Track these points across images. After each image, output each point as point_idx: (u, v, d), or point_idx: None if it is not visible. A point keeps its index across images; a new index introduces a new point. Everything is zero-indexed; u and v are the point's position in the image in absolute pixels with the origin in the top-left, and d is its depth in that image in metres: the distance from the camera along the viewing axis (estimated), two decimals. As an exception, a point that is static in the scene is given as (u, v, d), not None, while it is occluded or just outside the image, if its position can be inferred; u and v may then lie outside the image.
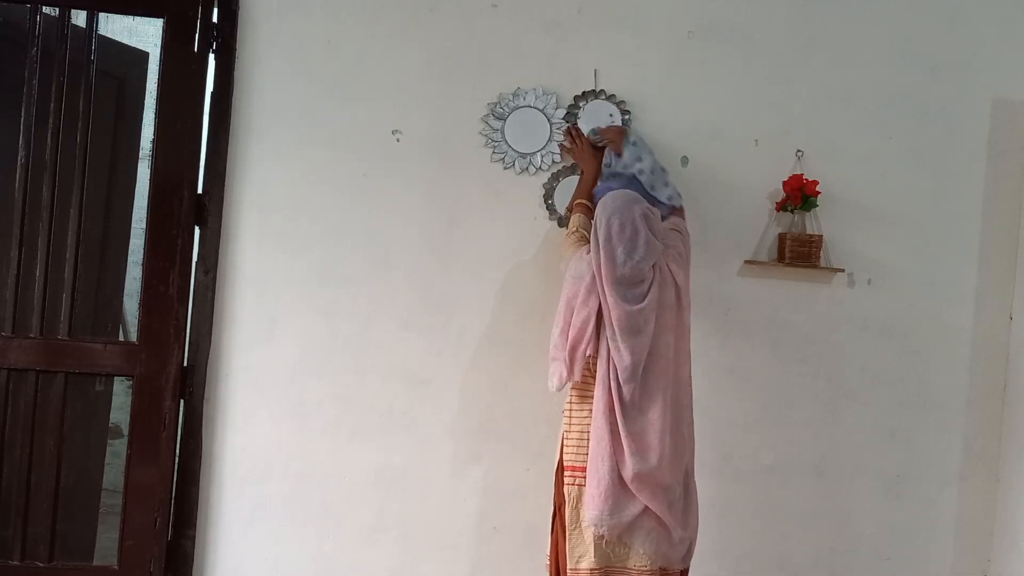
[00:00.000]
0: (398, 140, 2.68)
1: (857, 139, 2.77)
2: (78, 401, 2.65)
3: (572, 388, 2.40)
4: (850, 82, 2.77)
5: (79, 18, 2.62)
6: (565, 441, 2.40)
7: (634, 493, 2.27)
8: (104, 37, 2.69)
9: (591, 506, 2.29)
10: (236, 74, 2.64)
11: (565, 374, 2.34)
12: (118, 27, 3.20)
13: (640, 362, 2.27)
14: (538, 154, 2.70)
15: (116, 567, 2.59)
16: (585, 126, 2.69)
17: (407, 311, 2.68)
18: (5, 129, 2.59)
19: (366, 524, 2.68)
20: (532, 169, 2.70)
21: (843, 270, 2.77)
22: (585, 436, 2.33)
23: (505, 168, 2.70)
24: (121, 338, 3.06)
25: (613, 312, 2.27)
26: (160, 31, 2.61)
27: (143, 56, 2.89)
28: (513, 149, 2.70)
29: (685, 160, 2.74)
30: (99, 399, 2.74)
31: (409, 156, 2.68)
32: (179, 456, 2.63)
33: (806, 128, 2.76)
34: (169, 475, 2.60)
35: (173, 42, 2.60)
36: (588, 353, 2.32)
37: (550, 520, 2.46)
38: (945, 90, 2.79)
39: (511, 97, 2.69)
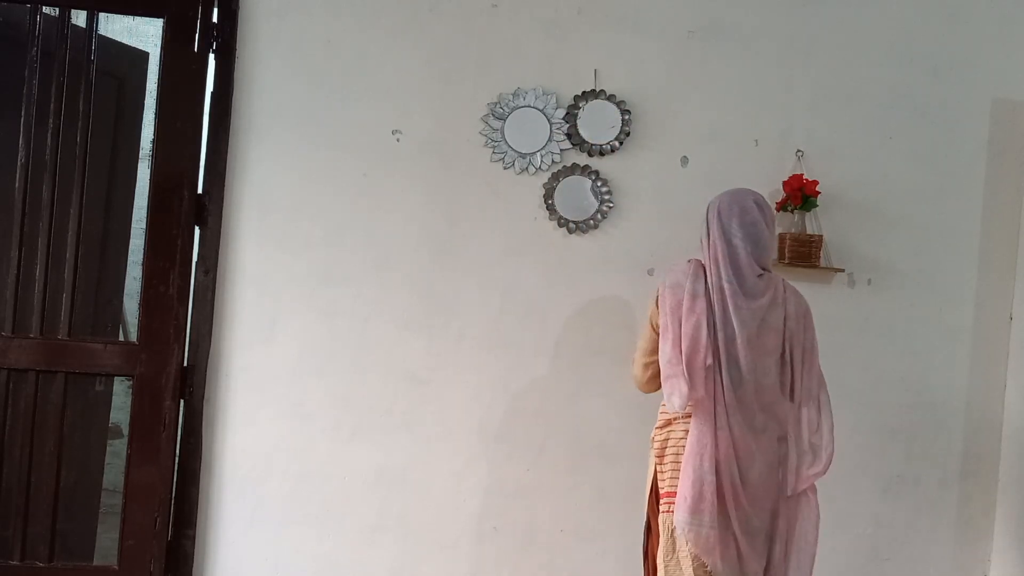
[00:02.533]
0: (398, 140, 2.68)
1: (857, 139, 2.77)
2: (78, 401, 2.65)
3: (662, 410, 2.27)
4: (850, 82, 2.77)
5: (79, 18, 2.61)
6: (659, 467, 2.26)
7: (731, 505, 2.15)
8: (104, 37, 2.68)
9: (681, 508, 2.15)
10: (236, 74, 2.64)
11: (686, 389, 2.13)
12: (118, 27, 3.20)
13: (731, 354, 2.14)
14: (538, 154, 2.70)
15: (116, 567, 2.59)
16: (585, 129, 2.69)
17: (407, 311, 2.68)
18: (5, 129, 2.59)
19: (366, 524, 2.68)
20: (532, 169, 2.70)
21: (843, 270, 2.77)
22: (682, 459, 2.20)
23: (505, 168, 2.70)
24: (121, 338, 3.06)
25: (714, 292, 2.16)
26: (160, 31, 2.61)
27: (143, 56, 2.89)
28: (513, 149, 2.70)
29: (685, 160, 2.74)
30: (99, 399, 2.74)
31: (409, 156, 2.68)
32: (179, 456, 2.63)
33: (806, 128, 2.76)
34: (169, 475, 2.60)
35: (173, 42, 2.60)
36: (708, 363, 2.14)
37: (642, 545, 2.38)
38: (945, 90, 2.79)
39: (511, 97, 2.69)
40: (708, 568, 2.17)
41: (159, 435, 2.58)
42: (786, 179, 2.68)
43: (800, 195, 2.66)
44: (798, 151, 2.75)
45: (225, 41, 2.63)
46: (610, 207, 2.71)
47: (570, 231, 2.71)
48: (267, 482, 2.66)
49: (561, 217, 2.70)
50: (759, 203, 2.23)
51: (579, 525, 2.71)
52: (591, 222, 2.71)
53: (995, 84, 2.81)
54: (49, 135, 2.59)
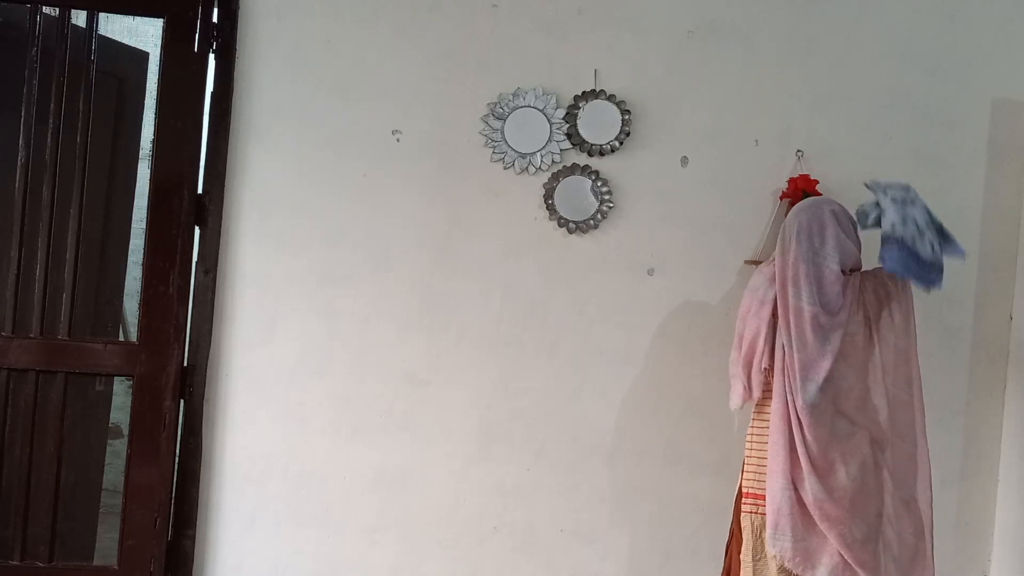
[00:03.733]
0: (398, 140, 2.68)
1: (857, 139, 2.77)
2: (78, 401, 2.65)
3: (754, 409, 2.33)
4: (850, 82, 2.77)
5: (79, 18, 2.61)
6: (745, 465, 2.33)
7: (821, 521, 2.16)
8: (104, 37, 2.68)
9: (768, 525, 2.21)
10: (236, 74, 2.64)
11: (742, 391, 2.27)
12: (118, 27, 3.21)
13: (811, 374, 2.16)
14: (538, 154, 2.70)
15: (116, 567, 2.59)
16: (585, 129, 2.69)
17: (407, 311, 2.68)
18: (5, 129, 2.59)
19: (366, 524, 2.68)
20: (532, 169, 2.70)
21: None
22: (766, 460, 2.25)
23: (505, 168, 2.70)
24: (121, 338, 3.06)
25: (790, 312, 2.19)
26: (160, 31, 2.61)
27: (143, 56, 2.89)
28: (513, 149, 2.70)
29: (685, 160, 2.74)
30: (99, 399, 2.74)
31: (409, 156, 2.68)
32: (179, 456, 2.63)
33: (806, 128, 2.75)
34: (169, 475, 2.60)
35: (173, 42, 2.60)
36: (764, 366, 2.24)
37: (725, 544, 2.42)
38: (945, 90, 2.79)
39: (511, 97, 2.69)
40: None
41: (159, 435, 2.58)
42: (795, 177, 2.67)
43: (801, 195, 2.65)
44: (798, 151, 2.75)
45: (225, 41, 2.63)
46: (610, 207, 2.71)
47: (570, 231, 2.71)
48: (267, 482, 2.66)
49: (561, 217, 2.70)
50: (836, 213, 2.28)
51: (579, 525, 2.71)
52: (591, 222, 2.71)
53: (995, 84, 2.80)
54: (49, 135, 2.59)
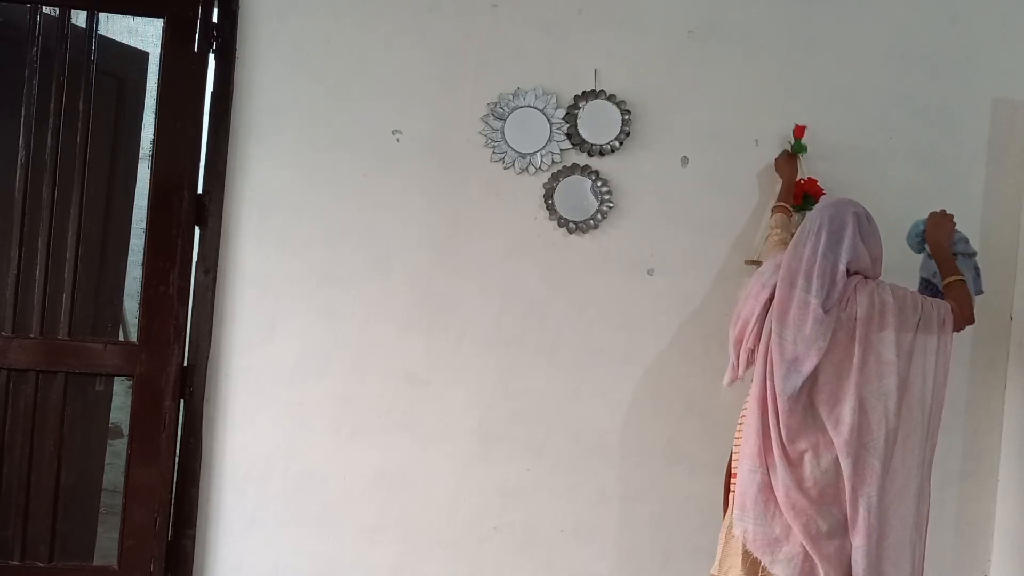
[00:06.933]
0: (398, 140, 2.68)
1: (857, 139, 2.77)
2: (78, 401, 2.65)
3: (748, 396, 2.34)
4: (850, 82, 2.77)
5: (79, 18, 2.62)
6: (734, 447, 2.35)
7: (781, 508, 2.16)
8: (104, 37, 2.68)
9: (735, 505, 2.23)
10: (236, 74, 2.64)
11: (731, 369, 2.33)
12: (118, 27, 3.21)
13: (800, 367, 2.16)
14: (538, 154, 2.70)
15: (116, 567, 2.59)
16: (585, 129, 2.69)
17: (407, 311, 2.68)
18: (5, 129, 2.59)
19: (366, 524, 2.68)
20: (532, 169, 2.70)
21: (843, 270, 2.76)
22: (742, 444, 2.28)
23: (505, 168, 2.70)
24: (121, 338, 3.06)
25: (794, 304, 2.19)
26: (160, 31, 2.61)
27: (143, 56, 2.89)
28: (513, 149, 2.70)
29: (685, 160, 2.74)
30: (99, 399, 2.74)
31: (409, 156, 2.68)
32: (179, 456, 2.63)
33: (806, 128, 2.75)
34: (169, 475, 2.60)
35: (173, 42, 2.60)
36: (750, 347, 2.27)
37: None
38: (945, 90, 2.79)
39: (511, 97, 2.69)
40: (762, 564, 2.19)
41: (159, 435, 2.58)
42: (803, 180, 2.67)
43: (802, 197, 2.66)
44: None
45: (225, 41, 2.62)
46: (610, 207, 2.71)
47: (570, 231, 2.71)
48: (267, 482, 2.66)
49: (561, 217, 2.70)
50: (858, 215, 2.29)
51: (579, 525, 2.71)
52: (591, 222, 2.71)
53: (995, 84, 2.80)
54: (49, 135, 2.59)
